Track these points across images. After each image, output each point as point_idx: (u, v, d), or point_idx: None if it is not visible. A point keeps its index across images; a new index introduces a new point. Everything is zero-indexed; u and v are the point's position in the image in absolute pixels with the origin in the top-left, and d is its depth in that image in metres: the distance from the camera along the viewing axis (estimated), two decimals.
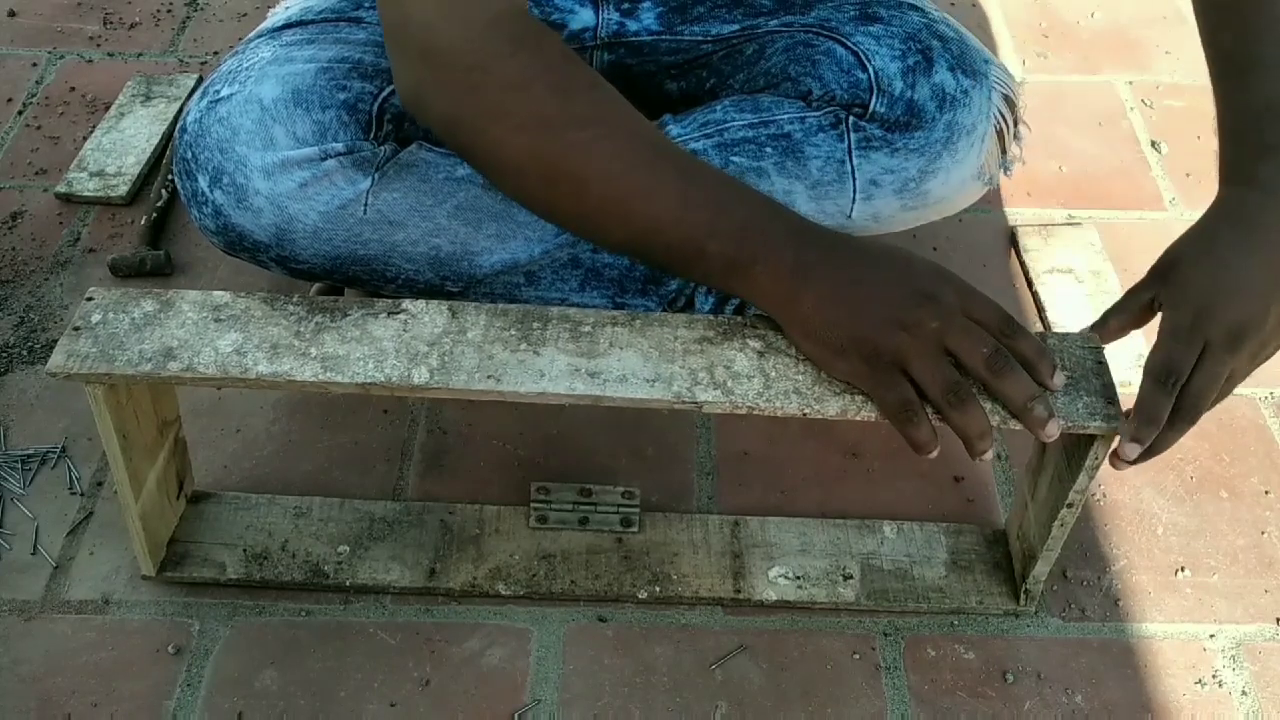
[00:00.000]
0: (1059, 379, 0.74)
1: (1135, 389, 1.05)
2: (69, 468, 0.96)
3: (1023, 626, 0.89)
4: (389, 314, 0.79)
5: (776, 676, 0.86)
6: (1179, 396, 0.74)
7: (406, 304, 0.80)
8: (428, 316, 0.79)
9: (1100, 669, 0.87)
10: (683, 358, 0.77)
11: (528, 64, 0.75)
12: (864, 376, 0.74)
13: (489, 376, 0.75)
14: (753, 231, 0.75)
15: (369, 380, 0.75)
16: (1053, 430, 0.72)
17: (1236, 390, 1.05)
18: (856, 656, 0.87)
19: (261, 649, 0.86)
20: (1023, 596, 0.89)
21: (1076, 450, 0.78)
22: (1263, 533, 0.96)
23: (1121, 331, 0.80)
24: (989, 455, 0.73)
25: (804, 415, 0.75)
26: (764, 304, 0.77)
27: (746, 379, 0.76)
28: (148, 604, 0.88)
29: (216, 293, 0.79)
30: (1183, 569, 0.93)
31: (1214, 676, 0.87)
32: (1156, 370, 0.74)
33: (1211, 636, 0.89)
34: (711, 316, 0.80)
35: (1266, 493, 0.99)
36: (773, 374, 0.76)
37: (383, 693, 0.84)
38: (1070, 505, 0.80)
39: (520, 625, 0.88)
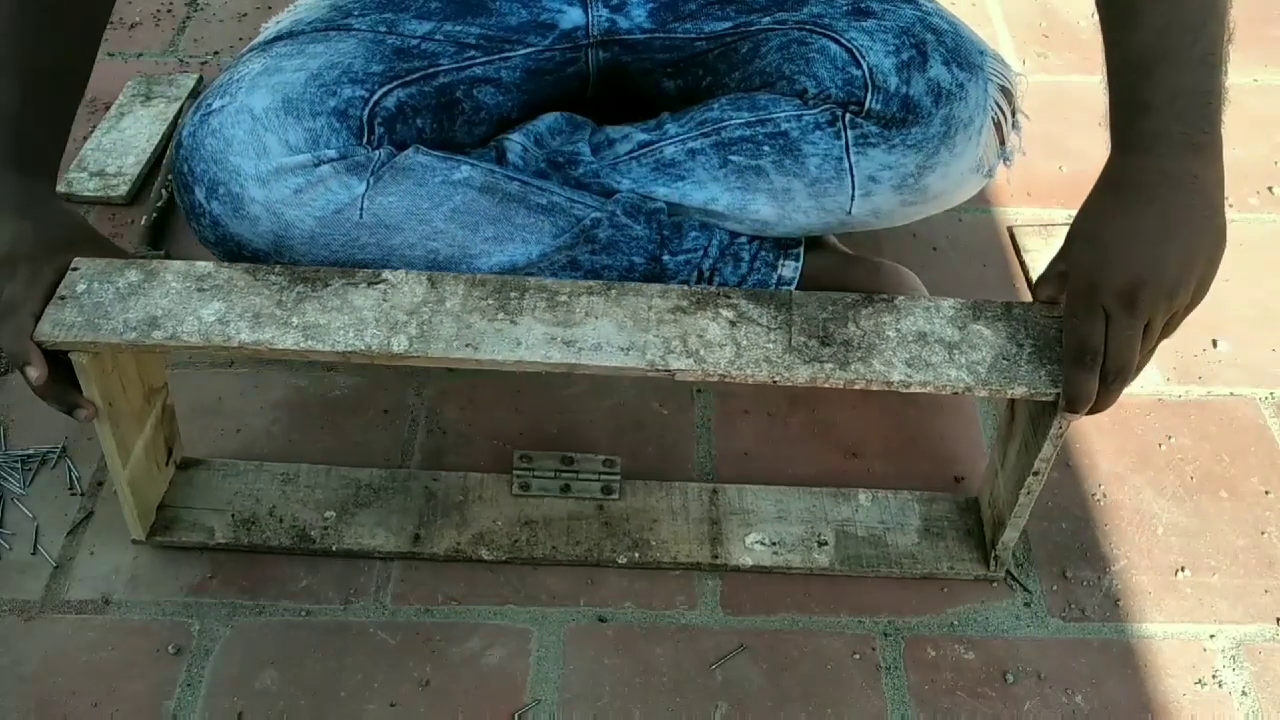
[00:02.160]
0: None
1: (1135, 388, 1.05)
2: (69, 468, 0.96)
3: (1023, 627, 0.89)
4: (369, 284, 0.81)
5: (776, 677, 0.86)
6: (1104, 364, 0.75)
7: (386, 274, 0.82)
8: (407, 286, 0.81)
9: (1100, 669, 0.87)
10: (656, 327, 0.79)
11: None
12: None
13: (467, 345, 0.77)
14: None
15: (349, 349, 0.77)
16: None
17: (1237, 391, 1.06)
18: (857, 656, 0.87)
19: (261, 649, 0.86)
20: (992, 562, 0.90)
21: (1041, 419, 0.80)
22: (1263, 533, 0.96)
23: (1054, 301, 0.82)
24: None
25: (774, 383, 0.77)
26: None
27: (718, 347, 0.78)
28: (148, 604, 0.88)
29: (200, 263, 0.81)
30: (1183, 569, 0.93)
31: (1214, 677, 0.87)
32: (1072, 351, 0.75)
33: (1212, 637, 0.89)
34: (685, 287, 0.82)
35: (1266, 493, 0.99)
36: (744, 342, 0.78)
37: (383, 693, 0.84)
38: (1036, 473, 0.82)
39: (520, 625, 0.88)
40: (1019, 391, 0.77)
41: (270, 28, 1.00)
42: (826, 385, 0.77)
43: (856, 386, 0.77)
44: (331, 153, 0.89)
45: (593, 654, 0.86)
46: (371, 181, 0.89)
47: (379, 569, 0.91)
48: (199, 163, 0.89)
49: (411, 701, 0.83)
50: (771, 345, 0.78)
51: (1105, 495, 0.98)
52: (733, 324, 0.79)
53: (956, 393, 0.76)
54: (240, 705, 0.83)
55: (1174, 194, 0.74)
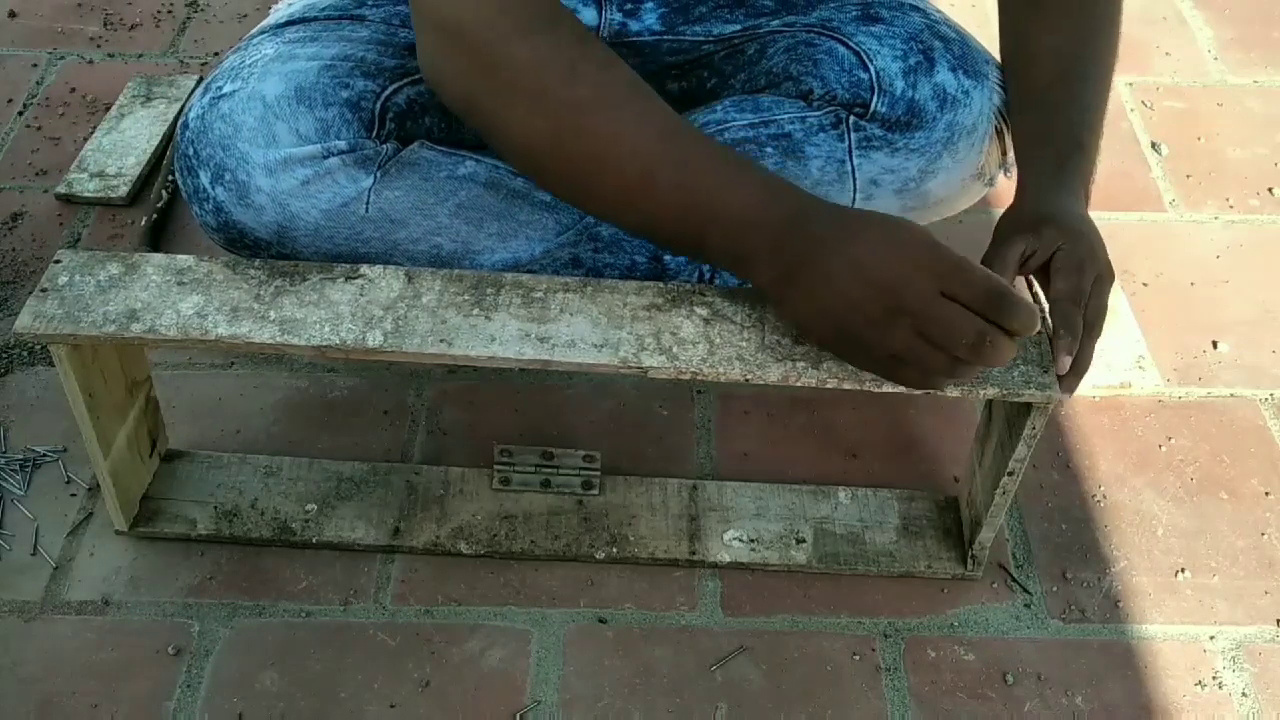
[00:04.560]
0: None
1: (1135, 390, 1.06)
2: (69, 469, 0.96)
3: (1023, 628, 0.89)
4: (346, 279, 0.81)
5: (776, 678, 0.86)
6: (1085, 316, 0.80)
7: (364, 269, 0.82)
8: (384, 281, 0.81)
9: (1101, 670, 0.87)
10: (631, 324, 0.79)
11: (540, 45, 0.77)
12: (874, 369, 0.76)
13: (441, 340, 0.78)
14: (748, 225, 0.77)
15: (324, 343, 0.77)
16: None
17: (1237, 392, 1.07)
18: (857, 658, 0.87)
19: (261, 650, 0.86)
20: (970, 562, 0.91)
21: (1016, 419, 0.81)
22: (1263, 534, 0.96)
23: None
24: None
25: (746, 380, 0.77)
26: (768, 296, 0.80)
27: (691, 345, 0.78)
28: (147, 605, 0.88)
29: (180, 256, 0.82)
30: (1183, 570, 0.93)
31: (1214, 678, 0.87)
32: (1071, 295, 0.80)
33: (1212, 638, 0.89)
34: (661, 284, 0.82)
35: (1267, 494, 0.99)
36: (717, 340, 0.79)
37: (383, 694, 0.84)
38: (1011, 473, 0.82)
39: (520, 626, 0.88)
40: (991, 392, 0.77)
41: (282, 9, 0.99)
42: (798, 384, 0.77)
43: (828, 385, 0.77)
44: (341, 144, 0.88)
45: (593, 655, 0.86)
46: (378, 175, 0.89)
47: (379, 570, 0.91)
48: (205, 146, 0.88)
49: (411, 702, 0.83)
50: (745, 343, 0.79)
51: (1105, 496, 0.98)
52: (706, 322, 0.80)
53: (928, 393, 0.77)
54: (240, 706, 0.83)
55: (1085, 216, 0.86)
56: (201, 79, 1.35)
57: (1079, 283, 0.80)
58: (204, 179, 0.89)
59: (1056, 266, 0.81)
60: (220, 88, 0.90)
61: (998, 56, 0.99)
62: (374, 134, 0.91)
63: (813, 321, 0.76)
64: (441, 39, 0.78)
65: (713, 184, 0.77)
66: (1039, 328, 0.74)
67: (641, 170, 0.77)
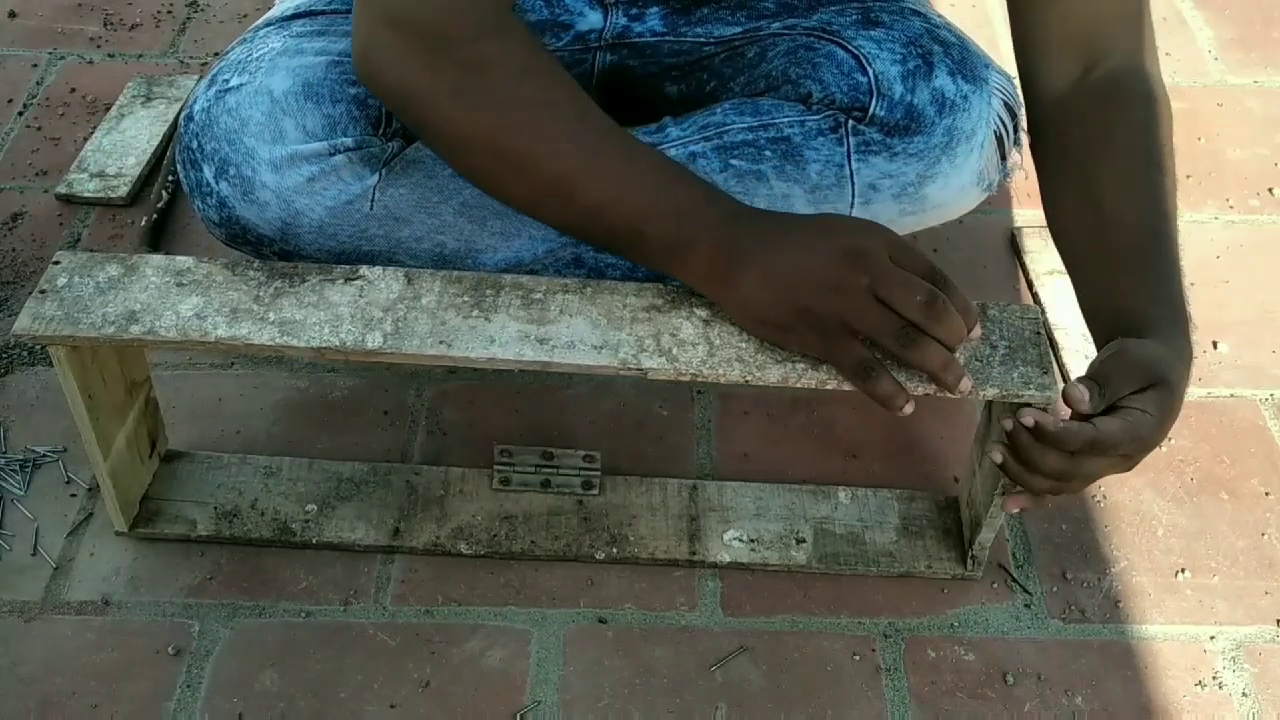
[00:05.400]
0: (977, 332, 0.78)
1: None
2: (69, 469, 0.96)
3: (1023, 628, 0.89)
4: (346, 280, 0.81)
5: (776, 678, 0.86)
6: (1084, 469, 0.74)
7: (364, 270, 0.82)
8: (384, 283, 0.81)
9: (1101, 671, 0.87)
10: (630, 325, 0.80)
11: (490, 49, 0.78)
12: (817, 347, 0.77)
13: (441, 342, 0.78)
14: (689, 216, 0.79)
15: (324, 344, 0.77)
16: (965, 386, 0.76)
17: (1237, 392, 1.07)
18: (857, 658, 0.87)
19: (261, 650, 0.86)
20: (970, 562, 0.91)
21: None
22: (1263, 534, 0.96)
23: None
24: (965, 385, 0.76)
25: (746, 382, 0.78)
26: (703, 288, 0.80)
27: (691, 346, 0.78)
28: (148, 605, 0.88)
29: (179, 258, 0.82)
30: (1183, 570, 0.93)
31: (1214, 678, 0.87)
32: (1111, 439, 0.73)
33: (1212, 638, 0.89)
34: (661, 284, 0.82)
35: (1267, 494, 0.99)
36: (717, 341, 0.79)
37: (383, 694, 0.84)
38: None
39: (520, 626, 0.88)
40: (991, 393, 0.77)
41: (287, 1, 0.98)
42: (798, 385, 0.78)
43: (829, 387, 0.77)
44: (348, 141, 0.88)
45: (593, 655, 0.86)
46: (383, 173, 0.89)
47: (379, 570, 0.91)
48: (210, 140, 0.88)
49: (411, 702, 0.83)
50: (744, 345, 0.79)
51: (1105, 497, 0.98)
52: (706, 323, 0.80)
53: (929, 394, 0.77)
54: (240, 706, 0.83)
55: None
56: (202, 78, 1.35)
57: (1117, 439, 0.72)
58: (207, 173, 0.88)
59: (1128, 418, 0.73)
60: (226, 81, 0.89)
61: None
62: (380, 131, 0.91)
63: (762, 301, 0.77)
64: (388, 33, 0.78)
65: (655, 177, 0.79)
66: (976, 324, 0.77)
67: (583, 162, 0.78)
